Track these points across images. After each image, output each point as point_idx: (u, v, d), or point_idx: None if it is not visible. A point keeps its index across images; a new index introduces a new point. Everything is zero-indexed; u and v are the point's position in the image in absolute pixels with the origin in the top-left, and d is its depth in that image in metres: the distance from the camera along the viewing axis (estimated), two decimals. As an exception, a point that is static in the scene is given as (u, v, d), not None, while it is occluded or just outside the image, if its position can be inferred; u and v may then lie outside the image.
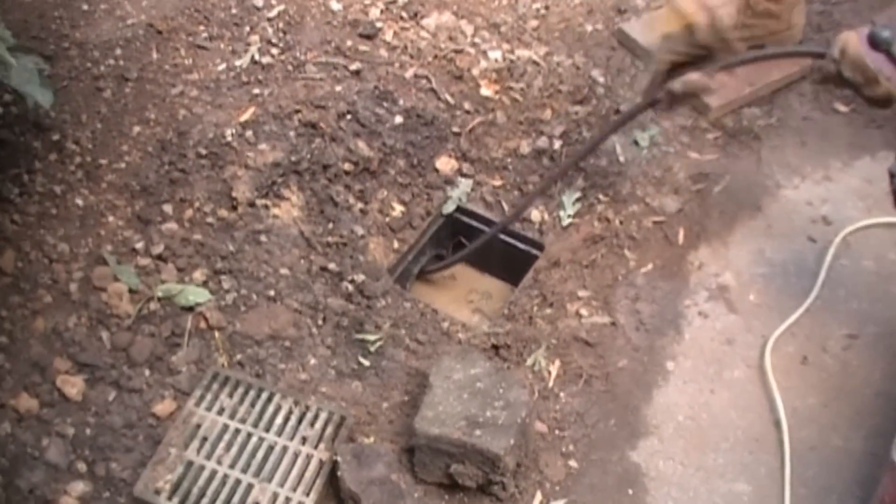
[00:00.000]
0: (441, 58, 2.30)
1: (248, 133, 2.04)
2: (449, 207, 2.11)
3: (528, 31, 2.40)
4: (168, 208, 1.92)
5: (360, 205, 2.04)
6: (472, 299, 2.17)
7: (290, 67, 2.22)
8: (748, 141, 2.15)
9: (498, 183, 2.14)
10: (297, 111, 2.10)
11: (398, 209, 2.08)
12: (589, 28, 2.41)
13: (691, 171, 2.10)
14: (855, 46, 1.39)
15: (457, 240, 2.17)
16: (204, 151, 2.00)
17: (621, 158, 2.12)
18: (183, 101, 2.11)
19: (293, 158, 2.02)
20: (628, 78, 2.29)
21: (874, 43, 1.40)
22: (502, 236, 2.08)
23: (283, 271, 1.87)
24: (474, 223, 2.12)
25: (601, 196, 2.07)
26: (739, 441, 1.64)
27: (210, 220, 1.91)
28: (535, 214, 2.07)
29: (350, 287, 1.87)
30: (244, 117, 2.08)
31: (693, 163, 2.12)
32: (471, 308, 2.14)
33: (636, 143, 2.15)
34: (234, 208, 1.93)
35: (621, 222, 2.01)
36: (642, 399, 1.71)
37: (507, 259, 2.10)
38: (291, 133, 2.06)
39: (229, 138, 2.02)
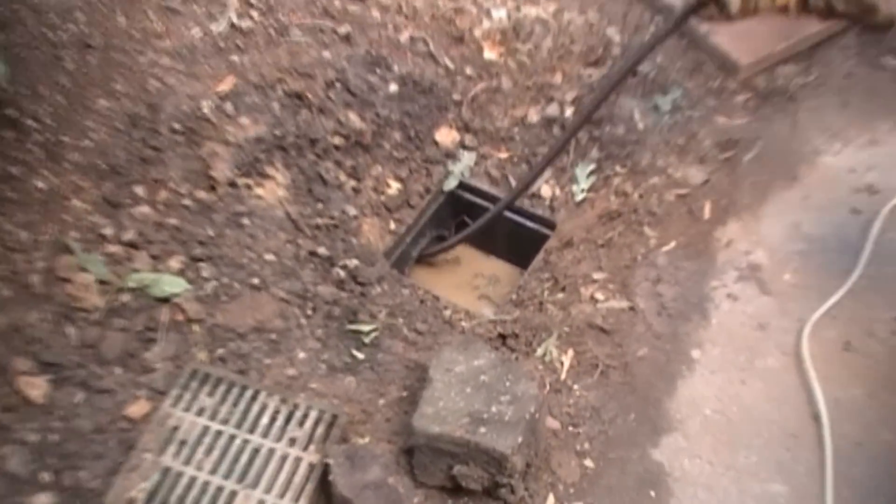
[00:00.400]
0: (439, 18, 2.25)
1: (227, 105, 1.99)
2: (450, 183, 2.07)
3: (535, -14, 2.38)
4: (139, 190, 1.86)
5: (352, 182, 2.00)
6: (478, 284, 2.15)
7: (272, 32, 2.17)
8: (783, 103, 2.10)
9: (504, 155, 2.09)
10: (281, 80, 2.05)
11: (394, 187, 2.04)
12: (603, -19, 2.39)
13: (719, 138, 2.04)
14: None
15: (460, 219, 2.13)
16: (178, 126, 1.95)
17: (640, 125, 2.06)
18: (154, 70, 2.05)
19: (277, 133, 1.97)
20: (647, 35, 2.22)
21: None
22: (510, 214, 2.03)
23: (268, 257, 1.82)
24: (479, 200, 2.08)
25: (618, 168, 2.01)
26: (774, 437, 1.58)
27: (186, 202, 1.86)
28: (545, 190, 2.03)
29: (342, 273, 1.83)
30: (222, 88, 2.03)
31: (721, 128, 2.06)
32: (476, 294, 2.13)
33: (656, 107, 2.08)
34: (213, 189, 1.88)
35: (640, 196, 1.96)
36: (665, 391, 1.66)
37: (516, 239, 2.06)
38: (275, 104, 2.01)
39: (206, 111, 1.96)
